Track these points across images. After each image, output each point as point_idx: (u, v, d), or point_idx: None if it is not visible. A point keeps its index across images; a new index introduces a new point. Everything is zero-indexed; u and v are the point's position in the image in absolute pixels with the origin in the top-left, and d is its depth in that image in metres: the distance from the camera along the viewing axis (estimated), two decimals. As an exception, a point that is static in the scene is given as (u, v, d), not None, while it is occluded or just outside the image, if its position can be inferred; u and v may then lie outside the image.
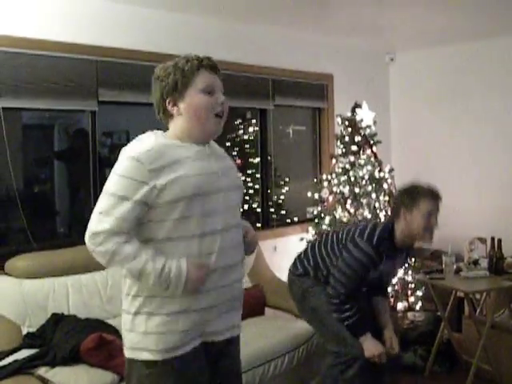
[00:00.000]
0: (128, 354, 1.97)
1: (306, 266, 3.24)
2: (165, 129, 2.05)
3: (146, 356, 1.91)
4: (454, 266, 4.15)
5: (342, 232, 3.18)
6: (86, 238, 1.86)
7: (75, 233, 4.21)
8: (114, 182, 1.86)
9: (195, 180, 1.88)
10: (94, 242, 1.83)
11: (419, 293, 4.75)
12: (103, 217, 1.82)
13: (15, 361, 2.84)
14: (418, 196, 3.00)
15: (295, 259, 3.36)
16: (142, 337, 1.91)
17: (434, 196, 3.03)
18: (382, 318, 3.26)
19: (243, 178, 5.49)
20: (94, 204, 3.89)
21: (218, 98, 1.99)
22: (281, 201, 5.52)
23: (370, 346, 3.00)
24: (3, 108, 3.50)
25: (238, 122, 5.52)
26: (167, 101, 1.97)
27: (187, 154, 1.93)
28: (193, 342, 1.96)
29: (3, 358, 2.88)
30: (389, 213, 4.68)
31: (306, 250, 3.35)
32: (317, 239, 3.60)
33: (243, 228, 2.12)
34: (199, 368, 1.99)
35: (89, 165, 4.03)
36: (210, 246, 1.93)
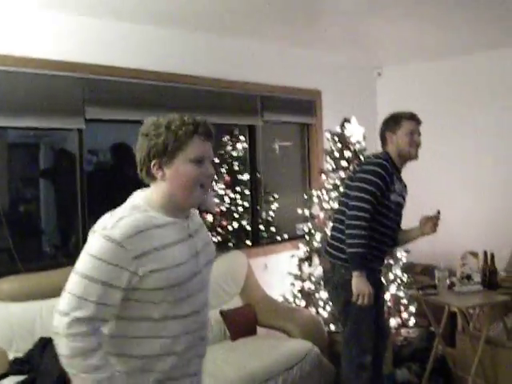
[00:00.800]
0: None
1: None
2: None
3: None
4: (448, 281, 4.11)
5: (346, 187, 3.41)
6: (56, 319, 1.67)
7: (62, 253, 4.13)
8: (92, 264, 1.67)
9: (178, 269, 1.77)
10: (65, 327, 1.64)
11: (412, 309, 4.70)
12: (78, 300, 1.65)
13: (1, 388, 2.76)
14: (400, 118, 3.35)
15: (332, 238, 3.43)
16: None
17: (414, 117, 3.39)
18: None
19: (232, 195, 5.45)
20: (82, 223, 3.87)
21: (207, 169, 1.83)
22: (270, 218, 5.48)
23: (361, 284, 3.11)
24: (-12, 127, 3.43)
25: (226, 138, 5.49)
26: (153, 162, 1.79)
27: (171, 238, 1.79)
28: None
29: (-11, 386, 2.79)
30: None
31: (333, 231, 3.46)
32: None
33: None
34: None
35: (76, 183, 3.95)
36: (185, 327, 1.84)
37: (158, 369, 1.80)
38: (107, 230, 1.70)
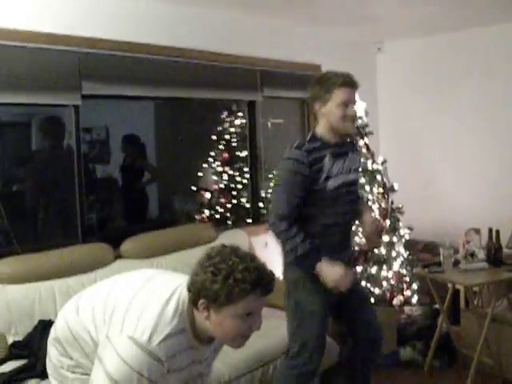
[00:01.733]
0: None
1: None
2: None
3: None
4: (453, 259, 4.06)
5: None
6: None
7: (60, 233, 4.04)
8: (127, 374, 1.67)
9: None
10: None
11: (415, 286, 4.65)
12: None
13: (2, 374, 2.69)
14: (331, 86, 2.76)
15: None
16: None
17: (347, 83, 2.79)
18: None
19: (231, 172, 5.36)
20: (80, 203, 3.77)
21: (255, 322, 1.76)
22: (270, 195, 5.39)
23: (329, 271, 2.70)
24: (-19, 104, 3.31)
25: (224, 114, 5.38)
26: (201, 301, 1.72)
27: (187, 361, 1.82)
28: None
29: (-11, 371, 2.72)
30: (382, 205, 4.58)
31: None
32: None
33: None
34: None
35: (73, 162, 3.84)
36: None
37: None
38: (147, 342, 1.69)
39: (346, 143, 2.96)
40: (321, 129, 2.88)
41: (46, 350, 2.84)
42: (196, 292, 1.73)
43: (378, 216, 4.52)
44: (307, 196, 2.77)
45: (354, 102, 2.83)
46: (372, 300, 4.29)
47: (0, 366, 2.81)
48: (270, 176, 5.38)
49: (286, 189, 2.79)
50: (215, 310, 1.71)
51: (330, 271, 2.72)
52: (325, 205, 2.81)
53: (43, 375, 2.71)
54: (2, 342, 3.01)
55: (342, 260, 2.85)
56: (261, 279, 1.71)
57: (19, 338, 3.08)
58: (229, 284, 1.67)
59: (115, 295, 1.87)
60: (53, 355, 2.05)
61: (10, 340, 3.06)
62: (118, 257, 3.75)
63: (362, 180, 4.52)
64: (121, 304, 1.81)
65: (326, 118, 2.82)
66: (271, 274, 1.77)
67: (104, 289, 1.97)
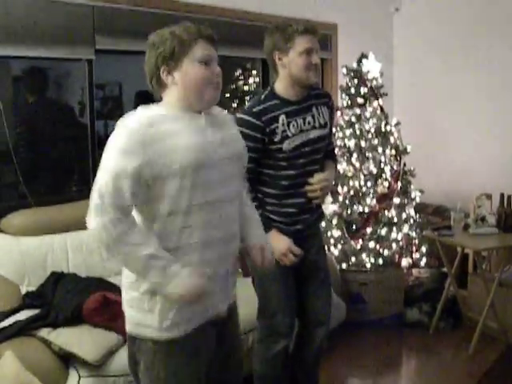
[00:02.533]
0: (131, 329, 1.94)
1: None
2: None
3: (150, 334, 1.88)
4: (463, 223, 4.07)
5: None
6: (88, 220, 1.80)
7: (73, 187, 4.07)
8: (109, 155, 1.80)
9: (185, 154, 1.81)
10: (96, 223, 1.77)
11: (423, 249, 4.66)
12: (104, 194, 1.76)
13: (16, 322, 2.74)
14: (292, 33, 2.56)
15: None
16: (145, 314, 1.87)
17: (308, 30, 2.58)
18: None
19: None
20: (92, 157, 3.79)
21: (214, 69, 1.91)
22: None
23: (274, 245, 2.45)
24: (-6, 56, 3.30)
25: (237, 72, 5.34)
26: (161, 69, 1.88)
27: (181, 126, 1.86)
28: (198, 318, 1.93)
29: (3, 320, 2.77)
30: (394, 167, 4.56)
31: None
32: None
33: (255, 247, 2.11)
34: (206, 344, 1.97)
35: (86, 116, 3.84)
36: (207, 218, 1.88)
37: (193, 259, 1.86)
38: (120, 123, 1.83)
39: (310, 97, 2.73)
40: (281, 84, 2.68)
41: (58, 300, 2.93)
42: (154, 66, 1.88)
43: (388, 178, 4.50)
44: (264, 157, 2.63)
45: (317, 50, 2.61)
46: (380, 261, 4.31)
47: (14, 314, 2.85)
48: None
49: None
50: (176, 68, 1.87)
51: (275, 244, 2.50)
52: (282, 166, 2.66)
53: (55, 324, 2.80)
54: (15, 292, 3.07)
55: (307, 222, 2.77)
56: (202, 27, 1.91)
57: (32, 288, 3.13)
58: (176, 35, 1.86)
59: None
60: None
61: (24, 290, 3.12)
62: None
63: (375, 141, 4.50)
64: None
65: (287, 70, 2.61)
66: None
67: None
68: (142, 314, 1.88)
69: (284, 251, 2.57)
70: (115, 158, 1.77)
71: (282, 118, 2.62)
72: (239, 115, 2.64)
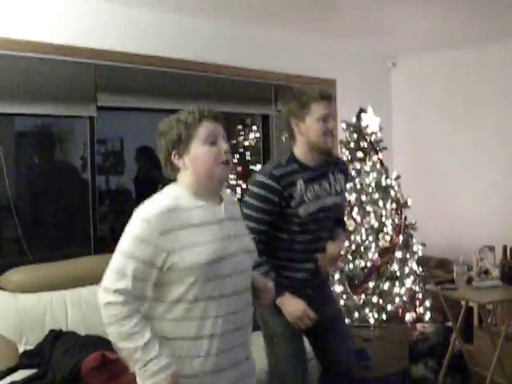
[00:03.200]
0: None
1: None
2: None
3: None
4: (466, 276, 4.02)
5: None
6: (99, 294, 1.84)
7: (73, 244, 4.05)
8: (127, 242, 1.85)
9: (204, 249, 1.86)
10: (104, 300, 1.81)
11: (427, 303, 4.60)
12: (117, 276, 1.82)
13: (13, 382, 2.68)
14: (308, 100, 2.64)
15: None
16: None
17: (324, 97, 2.67)
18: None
19: (244, 185, 5.36)
20: (93, 213, 3.80)
21: (221, 147, 1.95)
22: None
23: (288, 307, 2.56)
24: (-2, 114, 3.35)
25: (238, 128, 5.40)
26: (173, 154, 1.96)
27: (198, 219, 1.91)
28: None
29: (0, 379, 2.71)
30: (395, 221, 4.56)
31: None
32: None
33: (261, 287, 2.11)
34: None
35: (86, 173, 3.86)
36: (217, 310, 1.89)
37: (201, 353, 1.87)
38: (140, 211, 1.88)
39: (327, 164, 2.80)
40: (299, 150, 2.72)
41: (56, 359, 2.88)
42: (166, 152, 1.97)
43: (390, 232, 4.50)
44: (277, 220, 2.65)
45: (331, 116, 2.71)
46: (384, 316, 4.25)
47: (11, 374, 2.80)
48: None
49: (254, 215, 2.61)
50: (186, 152, 1.94)
51: (289, 307, 2.58)
52: (295, 230, 2.68)
53: (53, 385, 2.74)
54: (13, 351, 3.02)
55: (317, 284, 2.79)
56: (204, 108, 1.99)
57: (30, 347, 3.08)
58: (181, 120, 1.95)
59: None
60: None
61: (21, 349, 3.07)
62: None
63: (376, 195, 4.51)
64: None
65: (305, 136, 2.68)
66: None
67: None
68: None
69: (299, 315, 2.58)
70: (131, 245, 1.83)
71: (300, 182, 2.65)
72: (258, 177, 2.67)
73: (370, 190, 4.53)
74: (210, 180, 1.95)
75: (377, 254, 4.37)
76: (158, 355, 1.80)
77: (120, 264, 1.82)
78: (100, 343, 3.06)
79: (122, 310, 1.78)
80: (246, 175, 5.30)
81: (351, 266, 4.37)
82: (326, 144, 2.67)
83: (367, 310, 4.23)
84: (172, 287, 1.86)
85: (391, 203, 4.55)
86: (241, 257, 1.97)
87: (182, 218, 1.86)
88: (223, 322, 1.90)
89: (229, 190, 2.14)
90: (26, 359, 2.96)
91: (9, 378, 2.74)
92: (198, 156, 1.93)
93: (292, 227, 2.68)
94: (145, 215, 1.85)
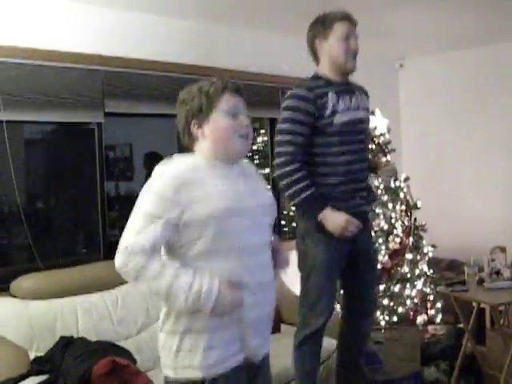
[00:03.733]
0: (171, 373, 1.93)
1: None
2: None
3: (191, 374, 1.89)
4: (477, 277, 4.00)
5: None
6: (117, 255, 1.83)
7: (82, 250, 4.06)
8: (144, 199, 1.87)
9: (220, 199, 1.87)
10: (122, 259, 1.81)
11: (438, 305, 4.58)
12: (134, 234, 1.82)
13: (23, 389, 2.68)
14: (331, 20, 2.77)
15: None
16: (187, 355, 1.89)
17: (346, 17, 2.79)
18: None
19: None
20: (102, 219, 3.80)
21: (242, 120, 1.97)
22: (292, 212, 5.36)
23: (331, 219, 2.61)
24: (6, 121, 3.35)
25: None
26: (192, 123, 1.97)
27: (214, 174, 1.93)
28: (235, 359, 1.93)
29: (11, 387, 2.72)
30: (405, 223, 4.54)
31: None
32: None
33: (274, 245, 2.08)
34: None
35: (96, 179, 3.87)
36: (237, 265, 1.89)
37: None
38: (157, 169, 1.90)
39: (352, 83, 2.89)
40: (322, 68, 2.83)
41: (67, 365, 2.88)
42: (185, 121, 1.98)
43: (399, 234, 4.48)
44: (313, 135, 2.69)
45: (355, 36, 2.79)
46: (395, 319, 4.23)
47: (22, 381, 2.80)
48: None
49: (289, 128, 2.69)
50: (206, 122, 1.95)
51: (332, 219, 2.63)
52: (332, 143, 2.71)
53: (64, 391, 2.74)
54: (24, 358, 3.02)
55: (355, 206, 2.78)
56: (228, 80, 2.00)
57: (41, 353, 3.08)
58: (203, 91, 1.96)
59: None
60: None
61: (32, 355, 3.06)
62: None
63: (385, 197, 4.49)
64: None
65: (328, 55, 2.78)
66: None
67: None
68: (181, 356, 1.89)
69: (344, 224, 2.61)
70: (150, 201, 1.84)
71: (331, 93, 2.71)
72: (290, 91, 2.77)
73: (379, 192, 4.50)
74: (229, 152, 1.96)
75: (387, 256, 4.35)
76: (193, 274, 1.81)
77: (137, 222, 1.83)
78: (110, 349, 3.07)
79: (142, 259, 1.78)
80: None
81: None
82: (346, 63, 2.76)
83: (378, 313, 4.21)
84: (186, 244, 1.86)
85: (401, 205, 4.53)
86: (257, 212, 1.97)
87: (198, 175, 1.88)
88: (244, 276, 1.89)
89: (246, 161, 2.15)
90: (37, 366, 2.95)
91: (20, 385, 2.74)
92: (218, 127, 1.94)
93: (327, 138, 2.71)
94: (162, 173, 1.87)
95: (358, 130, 2.82)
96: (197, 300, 1.80)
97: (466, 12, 4.31)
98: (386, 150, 4.61)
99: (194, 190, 1.84)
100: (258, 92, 4.71)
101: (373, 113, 4.67)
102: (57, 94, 3.55)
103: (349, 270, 2.89)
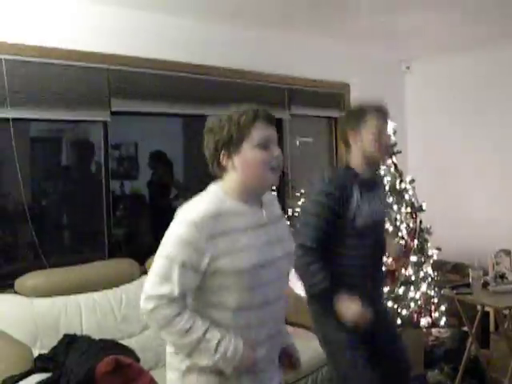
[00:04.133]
0: None
1: None
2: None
3: None
4: (482, 280, 3.99)
5: None
6: (142, 300, 1.82)
7: (87, 248, 4.06)
8: (171, 246, 1.81)
9: (248, 255, 1.84)
10: (149, 306, 1.79)
11: (443, 308, 4.56)
12: (161, 280, 1.79)
13: (27, 386, 2.68)
14: (364, 112, 2.73)
15: None
16: None
17: (379, 110, 2.75)
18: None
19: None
20: (107, 217, 3.80)
21: (273, 151, 1.89)
22: (296, 214, 5.35)
23: (346, 309, 2.58)
24: (13, 119, 3.36)
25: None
26: (221, 154, 1.90)
27: (242, 224, 1.87)
28: None
29: (15, 383, 2.72)
30: (410, 225, 4.53)
31: None
32: None
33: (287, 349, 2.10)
34: None
35: (100, 177, 3.87)
36: (259, 318, 1.89)
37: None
38: (185, 214, 1.83)
39: (379, 177, 2.93)
40: (353, 159, 2.79)
41: (70, 363, 2.88)
42: (214, 151, 1.91)
43: (404, 236, 4.47)
44: (334, 230, 2.69)
45: (387, 130, 2.79)
46: (399, 321, 4.22)
47: (25, 378, 2.80)
48: (297, 194, 5.36)
49: (313, 222, 2.68)
50: (236, 153, 1.87)
51: (347, 309, 2.60)
52: (351, 241, 2.72)
53: (67, 389, 2.74)
54: (27, 355, 3.02)
55: (368, 296, 2.73)
56: (259, 109, 1.90)
57: (44, 351, 3.08)
58: (234, 120, 1.87)
59: None
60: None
61: (36, 353, 3.06)
62: (144, 272, 3.74)
63: (390, 199, 4.47)
64: None
65: (359, 147, 2.75)
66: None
67: None
68: None
69: (359, 314, 2.57)
70: (175, 247, 1.79)
71: (357, 193, 2.69)
72: (318, 188, 2.72)
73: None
74: (259, 185, 1.91)
75: (391, 259, 4.33)
76: (223, 335, 1.80)
77: (164, 268, 1.79)
78: (114, 348, 3.07)
79: (171, 310, 1.77)
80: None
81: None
82: (378, 157, 2.76)
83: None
84: (213, 292, 1.84)
85: (406, 207, 4.52)
86: (282, 261, 1.95)
87: (226, 223, 1.83)
88: (256, 332, 1.88)
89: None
90: (40, 363, 2.95)
91: (23, 382, 2.74)
92: (248, 159, 1.86)
93: (346, 236, 2.70)
94: (190, 218, 1.80)
95: (377, 227, 2.85)
96: (220, 361, 1.80)
97: (472, 16, 4.30)
98: (392, 152, 4.59)
99: (221, 242, 1.80)
100: (263, 92, 4.71)
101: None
102: (64, 92, 3.55)
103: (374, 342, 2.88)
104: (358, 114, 2.75)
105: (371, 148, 2.71)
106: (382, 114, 2.74)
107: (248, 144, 1.85)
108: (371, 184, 2.80)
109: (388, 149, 2.84)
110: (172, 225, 1.85)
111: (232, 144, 1.86)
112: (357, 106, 2.83)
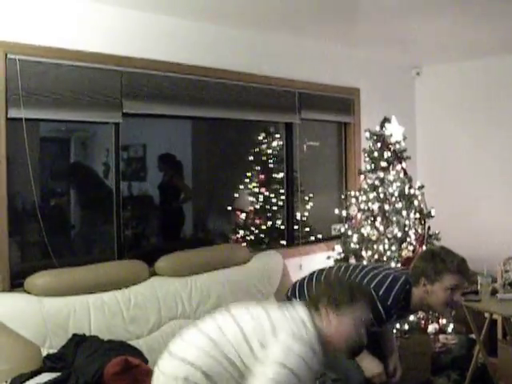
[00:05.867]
0: None
1: None
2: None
3: None
4: (490, 288, 3.97)
5: (357, 271, 2.97)
6: None
7: (97, 249, 4.08)
8: (293, 360, 2.05)
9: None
10: None
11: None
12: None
13: (36, 385, 2.70)
14: (443, 270, 2.70)
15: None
16: None
17: (460, 271, 2.70)
18: (387, 346, 3.12)
19: (267, 193, 5.35)
20: (117, 218, 3.81)
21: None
22: (305, 218, 5.36)
23: (369, 365, 2.84)
24: (25, 119, 3.38)
25: (261, 136, 5.40)
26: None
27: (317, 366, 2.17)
28: None
29: (23, 382, 2.73)
30: (419, 231, 4.52)
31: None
32: (318, 272, 3.33)
33: None
34: None
35: (111, 178, 3.89)
36: None
37: None
38: (293, 344, 2.09)
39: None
40: (415, 297, 2.81)
41: (79, 363, 2.89)
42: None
43: (413, 242, 4.46)
44: None
45: (462, 288, 2.76)
46: (406, 327, 4.21)
47: (34, 377, 2.82)
48: (306, 198, 5.37)
49: None
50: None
51: (368, 366, 2.83)
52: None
53: (76, 388, 2.75)
54: (36, 354, 3.03)
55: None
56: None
57: (53, 350, 3.10)
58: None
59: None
60: None
61: (44, 352, 3.08)
62: (153, 274, 3.77)
63: (399, 205, 4.47)
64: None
65: (427, 296, 2.75)
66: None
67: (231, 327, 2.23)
68: None
69: (380, 372, 2.84)
70: (297, 363, 2.05)
71: (395, 316, 2.86)
72: (381, 300, 2.76)
73: (394, 199, 4.49)
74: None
75: (400, 264, 4.33)
76: None
77: (284, 378, 2.02)
78: (122, 348, 3.08)
79: None
80: (268, 183, 5.29)
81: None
82: (440, 312, 3.07)
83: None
84: None
85: (415, 213, 4.51)
86: None
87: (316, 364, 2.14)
88: None
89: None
90: (49, 362, 2.97)
91: (32, 381, 2.75)
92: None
93: None
94: (308, 343, 2.11)
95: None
96: None
97: (483, 22, 4.30)
98: (401, 158, 4.59)
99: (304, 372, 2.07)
100: (274, 96, 4.73)
101: (389, 120, 4.67)
102: (76, 93, 3.57)
103: None
104: (438, 267, 2.71)
105: (437, 303, 2.74)
106: (461, 274, 2.70)
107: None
108: (407, 313, 3.09)
109: (455, 306, 2.90)
110: (287, 339, 2.13)
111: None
112: (439, 257, 2.75)
